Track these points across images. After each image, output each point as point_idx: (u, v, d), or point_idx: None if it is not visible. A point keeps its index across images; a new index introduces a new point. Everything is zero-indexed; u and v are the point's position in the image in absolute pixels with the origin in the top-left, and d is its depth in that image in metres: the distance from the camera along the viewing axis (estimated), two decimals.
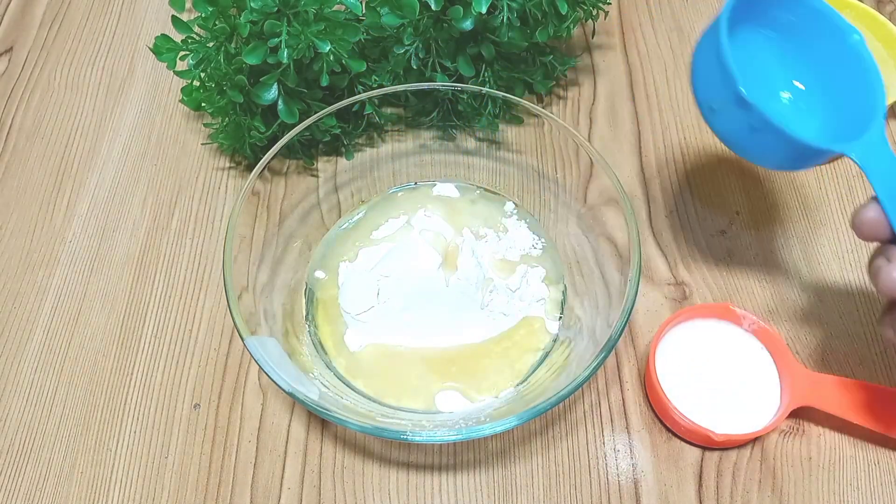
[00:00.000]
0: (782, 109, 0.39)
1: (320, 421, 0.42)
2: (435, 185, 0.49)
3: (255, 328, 0.38)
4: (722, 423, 0.39)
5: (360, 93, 0.48)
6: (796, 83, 0.39)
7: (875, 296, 0.46)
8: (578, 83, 0.57)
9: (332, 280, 0.45)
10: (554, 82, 0.56)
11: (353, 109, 0.48)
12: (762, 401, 0.40)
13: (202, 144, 0.54)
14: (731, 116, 0.35)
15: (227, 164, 0.53)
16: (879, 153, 0.34)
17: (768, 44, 0.39)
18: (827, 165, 0.42)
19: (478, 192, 0.49)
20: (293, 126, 0.44)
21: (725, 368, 0.41)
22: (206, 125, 0.53)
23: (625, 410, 0.42)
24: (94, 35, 0.62)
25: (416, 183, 0.50)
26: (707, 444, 0.40)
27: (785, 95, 0.39)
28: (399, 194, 0.49)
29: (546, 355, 0.42)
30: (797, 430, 0.41)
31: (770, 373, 0.41)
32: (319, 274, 0.45)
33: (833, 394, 0.40)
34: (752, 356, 0.42)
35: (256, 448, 0.42)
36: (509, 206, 0.48)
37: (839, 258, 0.48)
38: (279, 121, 0.47)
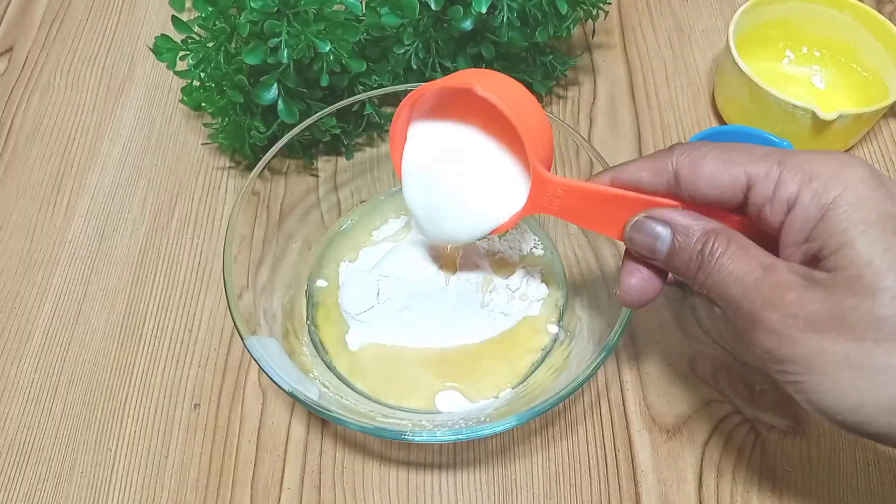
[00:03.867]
0: None
1: (320, 421, 0.42)
2: None
3: (255, 328, 0.38)
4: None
5: (360, 93, 0.48)
6: None
7: None
8: (578, 83, 0.57)
9: (333, 287, 0.45)
10: (554, 82, 0.56)
11: (353, 109, 0.48)
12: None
13: (202, 144, 0.54)
14: None
15: (227, 164, 0.53)
16: None
17: None
18: None
19: None
20: (293, 126, 0.44)
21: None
22: (206, 125, 0.53)
23: (625, 410, 0.42)
24: (94, 35, 0.62)
25: None
26: None
27: None
28: (399, 194, 0.49)
29: (546, 355, 0.42)
30: (797, 430, 0.41)
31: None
32: (321, 283, 0.45)
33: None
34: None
35: (256, 448, 0.42)
36: None
37: None
38: (279, 121, 0.47)
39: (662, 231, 0.29)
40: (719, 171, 0.27)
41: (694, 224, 0.28)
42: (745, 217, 0.29)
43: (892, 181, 0.25)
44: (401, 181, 0.38)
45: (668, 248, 0.29)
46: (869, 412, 0.24)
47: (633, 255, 0.31)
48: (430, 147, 0.37)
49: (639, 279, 0.31)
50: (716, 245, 0.27)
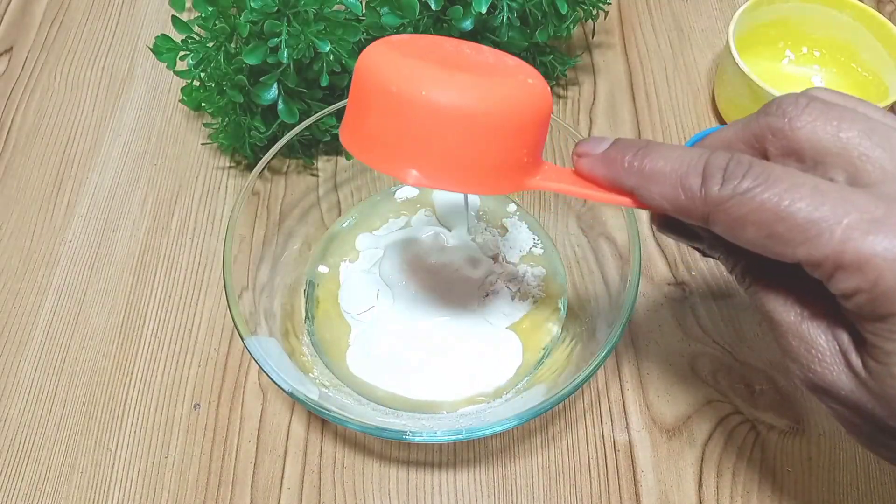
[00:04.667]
0: None
1: (320, 421, 0.42)
2: None
3: (255, 328, 0.38)
4: None
5: None
6: None
7: None
8: (578, 83, 0.57)
9: (334, 275, 0.45)
10: (554, 82, 0.56)
11: None
12: None
13: (202, 144, 0.54)
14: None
15: (227, 164, 0.53)
16: None
17: None
18: None
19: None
20: (293, 126, 0.44)
21: None
22: (206, 125, 0.53)
23: (625, 410, 0.42)
24: (94, 35, 0.62)
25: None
26: None
27: None
28: (399, 194, 0.49)
29: (546, 355, 0.42)
30: (797, 430, 0.41)
31: None
32: (322, 269, 0.45)
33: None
34: None
35: (256, 448, 0.42)
36: (511, 206, 0.48)
37: None
38: (279, 121, 0.47)
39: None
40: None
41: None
42: None
43: None
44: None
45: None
46: None
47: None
48: None
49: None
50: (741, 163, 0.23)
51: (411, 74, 0.26)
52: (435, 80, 0.25)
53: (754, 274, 0.26)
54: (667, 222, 0.29)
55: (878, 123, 0.23)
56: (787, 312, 0.24)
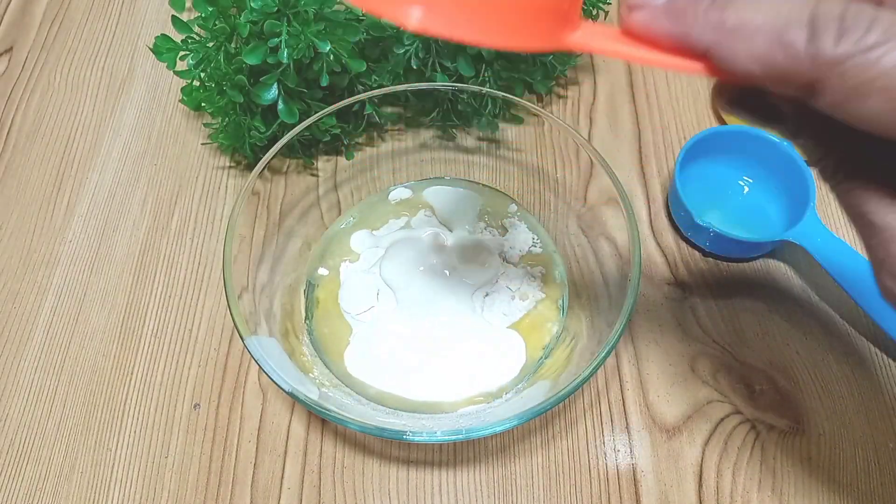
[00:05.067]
0: (742, 202, 0.50)
1: (320, 421, 0.42)
2: (435, 185, 0.49)
3: (255, 328, 0.38)
4: None
5: (360, 93, 0.48)
6: (747, 178, 0.50)
7: None
8: (578, 83, 0.57)
9: (334, 277, 0.45)
10: (554, 82, 0.56)
11: (353, 109, 0.48)
12: None
13: (202, 144, 0.54)
14: (699, 234, 0.47)
15: (227, 164, 0.53)
16: (816, 231, 0.44)
17: (722, 158, 0.50)
18: None
19: (480, 192, 0.49)
20: (293, 126, 0.44)
21: None
22: (206, 125, 0.53)
23: (625, 410, 0.42)
24: (94, 35, 0.62)
25: (416, 182, 0.50)
26: None
27: (744, 185, 0.51)
28: (393, 195, 0.49)
29: (546, 355, 0.42)
30: (797, 430, 0.41)
31: None
32: (322, 271, 0.45)
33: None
34: None
35: (256, 448, 0.42)
36: (512, 207, 0.48)
37: None
38: (279, 121, 0.47)
39: None
40: None
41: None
42: None
43: None
44: None
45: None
46: None
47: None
48: None
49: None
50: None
51: None
52: None
53: (849, 168, 0.21)
54: (741, 97, 0.22)
55: None
56: (890, 214, 0.20)
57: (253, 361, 0.44)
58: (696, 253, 0.48)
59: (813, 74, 0.18)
